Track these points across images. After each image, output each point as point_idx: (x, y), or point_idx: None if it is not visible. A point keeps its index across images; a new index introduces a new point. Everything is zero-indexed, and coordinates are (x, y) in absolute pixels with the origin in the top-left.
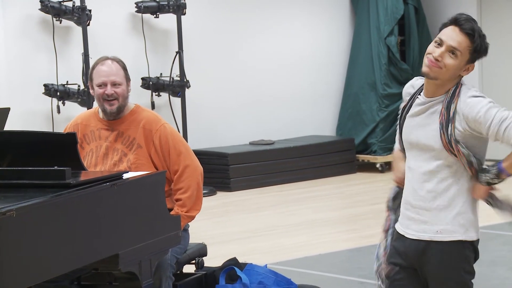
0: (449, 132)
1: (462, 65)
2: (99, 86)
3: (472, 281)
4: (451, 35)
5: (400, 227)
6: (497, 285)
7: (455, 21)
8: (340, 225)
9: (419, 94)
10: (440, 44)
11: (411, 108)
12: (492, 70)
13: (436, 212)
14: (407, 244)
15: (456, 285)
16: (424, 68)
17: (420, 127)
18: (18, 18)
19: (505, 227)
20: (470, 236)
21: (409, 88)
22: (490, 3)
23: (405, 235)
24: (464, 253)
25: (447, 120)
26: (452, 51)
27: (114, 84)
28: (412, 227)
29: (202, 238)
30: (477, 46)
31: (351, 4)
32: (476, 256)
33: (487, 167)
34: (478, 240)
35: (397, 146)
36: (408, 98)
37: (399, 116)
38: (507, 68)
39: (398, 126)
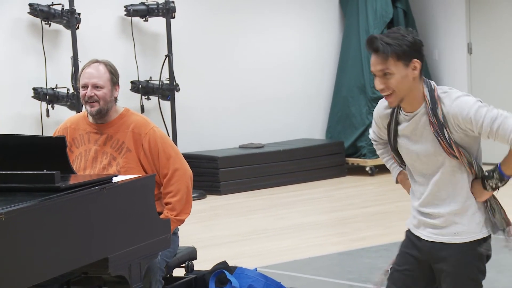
0: (446, 137)
1: (404, 72)
2: (82, 87)
3: None
4: (374, 63)
5: (414, 229)
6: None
7: (370, 48)
8: (330, 229)
9: (400, 109)
10: (375, 75)
11: (399, 125)
12: (481, 70)
13: (451, 216)
14: (423, 242)
15: (471, 282)
16: (388, 104)
17: (416, 144)
18: (7, 21)
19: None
20: (484, 233)
21: (387, 109)
22: (478, 5)
23: (421, 237)
24: (480, 252)
25: (440, 126)
26: (384, 73)
27: (95, 87)
28: (428, 230)
29: (192, 242)
30: (399, 51)
31: (340, 7)
32: (488, 255)
33: (488, 173)
34: (490, 236)
35: (395, 173)
36: (388, 118)
37: (387, 135)
38: (495, 68)
39: (389, 144)
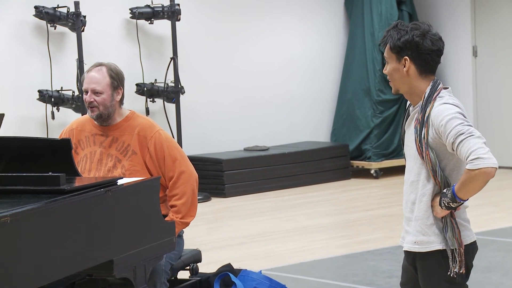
0: (422, 135)
1: (396, 65)
2: (84, 92)
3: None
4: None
5: (401, 239)
6: None
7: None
8: (335, 231)
9: (411, 106)
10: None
11: (407, 121)
12: (486, 72)
13: (415, 222)
14: (405, 254)
15: None
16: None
17: (408, 137)
18: (13, 24)
19: (499, 232)
20: (443, 245)
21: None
22: (483, 8)
23: (403, 247)
24: (443, 262)
25: (421, 123)
26: (386, 60)
27: (95, 92)
28: (405, 239)
29: (196, 244)
30: (392, 44)
31: (345, 10)
32: (465, 264)
33: (446, 191)
34: (459, 248)
35: None
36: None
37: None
38: (500, 71)
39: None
